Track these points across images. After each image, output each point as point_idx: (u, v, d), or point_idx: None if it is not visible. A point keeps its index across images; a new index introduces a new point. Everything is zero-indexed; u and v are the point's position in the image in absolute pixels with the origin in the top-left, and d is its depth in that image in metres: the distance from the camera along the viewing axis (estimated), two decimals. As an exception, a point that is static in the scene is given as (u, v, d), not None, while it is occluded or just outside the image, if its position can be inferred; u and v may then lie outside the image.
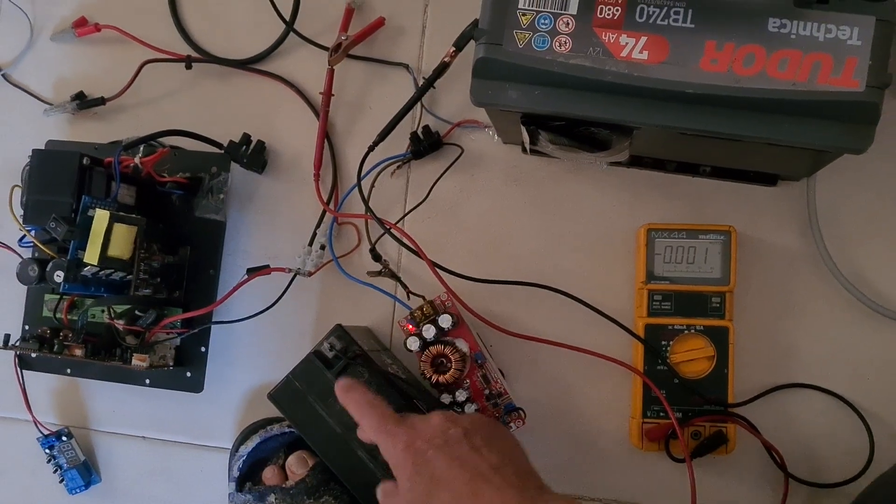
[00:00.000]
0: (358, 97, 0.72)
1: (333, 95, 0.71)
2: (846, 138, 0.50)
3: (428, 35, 0.71)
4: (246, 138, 0.71)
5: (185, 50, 0.74)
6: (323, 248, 0.70)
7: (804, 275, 0.65)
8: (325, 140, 0.71)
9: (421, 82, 0.69)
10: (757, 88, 0.50)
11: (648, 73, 0.51)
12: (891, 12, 0.49)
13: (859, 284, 0.63)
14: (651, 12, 0.51)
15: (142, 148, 0.67)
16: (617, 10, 0.51)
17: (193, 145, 0.71)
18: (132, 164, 0.66)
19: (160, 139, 0.71)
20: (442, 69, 0.65)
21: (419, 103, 0.69)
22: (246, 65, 0.73)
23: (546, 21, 0.52)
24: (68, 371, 0.72)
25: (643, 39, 0.51)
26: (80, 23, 0.76)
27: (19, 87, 0.78)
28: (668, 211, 0.66)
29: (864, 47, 0.49)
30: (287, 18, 0.72)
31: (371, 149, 0.68)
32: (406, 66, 0.71)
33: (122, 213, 0.63)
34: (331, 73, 0.70)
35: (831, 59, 0.49)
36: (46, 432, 0.73)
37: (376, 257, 0.67)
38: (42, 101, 0.77)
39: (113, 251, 0.62)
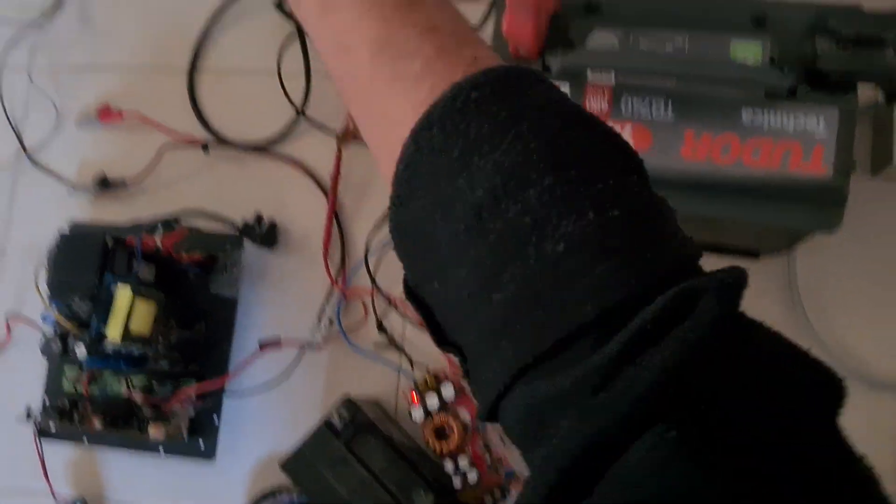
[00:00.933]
0: (365, 177, 0.76)
1: (341, 176, 0.75)
2: (817, 219, 0.55)
3: (430, 120, 0.76)
4: (259, 218, 0.75)
5: (203, 134, 0.79)
6: (331, 322, 0.73)
7: (789, 344, 0.68)
8: (334, 218, 0.75)
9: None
10: (733, 175, 0.54)
11: (634, 160, 0.55)
12: (853, 104, 0.54)
13: (841, 353, 0.67)
14: (634, 104, 0.56)
15: (161, 228, 0.71)
16: (604, 103, 0.56)
17: (210, 225, 0.76)
18: (154, 245, 0.70)
19: (179, 219, 0.75)
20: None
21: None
22: (259, 148, 0.78)
23: (539, 113, 0.57)
24: (85, 440, 0.75)
25: (628, 129, 0.56)
26: (104, 110, 0.81)
27: (46, 170, 0.82)
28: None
29: (830, 136, 0.53)
30: (298, 104, 0.77)
31: (377, 227, 0.73)
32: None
33: (143, 289, 0.67)
34: (339, 155, 0.75)
35: (800, 147, 0.54)
36: (63, 503, 0.75)
37: (382, 330, 0.70)
38: (67, 182, 0.82)
39: (134, 326, 0.66)
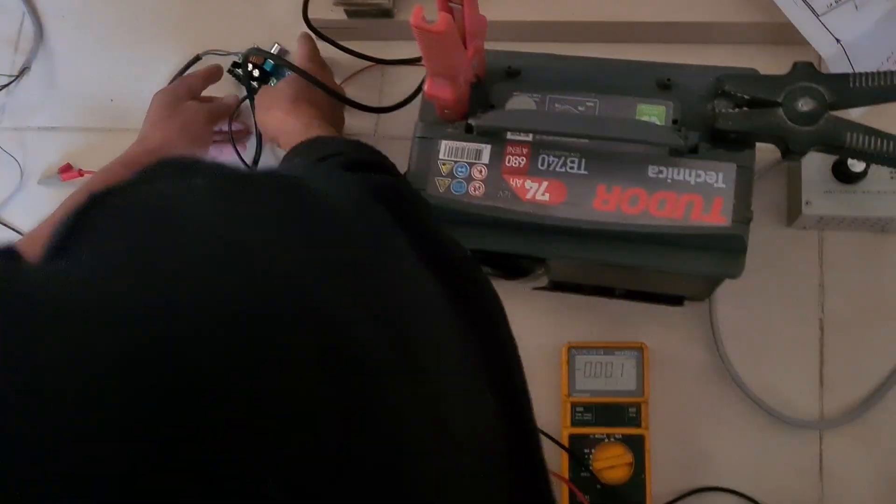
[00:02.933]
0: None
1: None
2: (721, 266, 0.59)
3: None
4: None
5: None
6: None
7: (712, 385, 0.71)
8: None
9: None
10: (641, 225, 0.58)
11: (551, 212, 0.59)
12: (749, 160, 0.59)
13: (762, 393, 0.70)
14: (551, 161, 0.60)
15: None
16: (522, 160, 0.61)
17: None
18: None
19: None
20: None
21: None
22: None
23: (463, 170, 0.61)
24: None
25: (545, 184, 0.60)
26: (66, 168, 0.85)
27: (8, 227, 0.86)
28: (588, 329, 0.74)
29: (729, 189, 0.58)
30: (249, 162, 0.81)
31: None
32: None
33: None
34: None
35: (701, 199, 0.58)
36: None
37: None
38: (27, 238, 0.85)
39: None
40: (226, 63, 0.84)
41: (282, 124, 0.70)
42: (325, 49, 0.80)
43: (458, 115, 0.61)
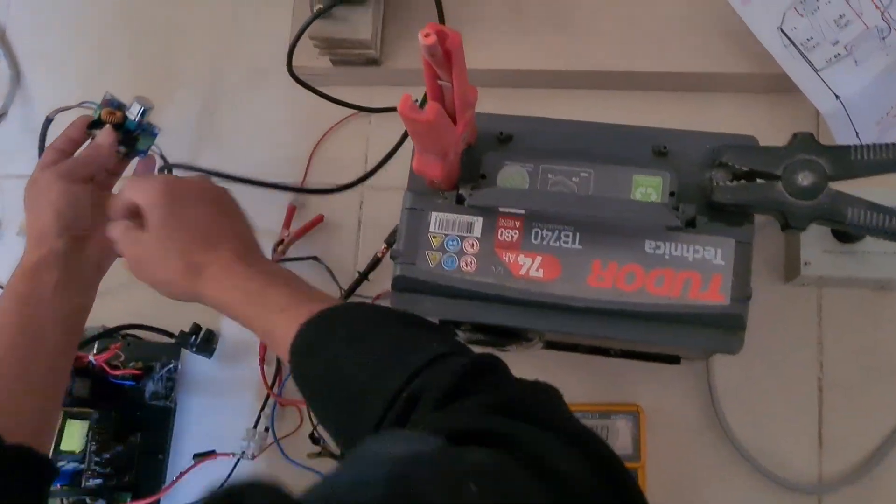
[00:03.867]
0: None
1: (277, 286, 0.77)
2: (719, 343, 0.57)
3: (363, 230, 0.79)
4: (196, 328, 0.77)
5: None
6: (267, 430, 0.75)
7: (709, 447, 0.70)
8: (270, 326, 0.77)
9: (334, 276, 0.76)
10: (638, 303, 0.56)
11: (544, 288, 0.58)
12: (748, 235, 0.57)
13: (760, 455, 0.69)
14: (544, 235, 0.58)
15: (96, 344, 0.72)
16: (515, 234, 0.59)
17: (146, 335, 0.77)
18: (87, 361, 0.71)
19: (114, 332, 0.76)
20: (374, 264, 0.72)
21: (354, 293, 0.75)
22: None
23: (454, 243, 0.59)
24: (21, 556, 0.75)
25: (538, 259, 0.58)
26: (45, 220, 0.82)
27: (-15, 279, 0.83)
28: (582, 389, 0.72)
29: (727, 266, 0.56)
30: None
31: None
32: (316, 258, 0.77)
33: (74, 409, 0.68)
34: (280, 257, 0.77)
35: (699, 276, 0.56)
36: None
37: (315, 440, 0.72)
38: (6, 291, 0.82)
39: (66, 446, 0.67)
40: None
41: (207, 284, 0.57)
42: (308, 98, 0.77)
43: (448, 186, 0.59)
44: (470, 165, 0.60)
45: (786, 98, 0.73)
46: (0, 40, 0.89)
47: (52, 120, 0.72)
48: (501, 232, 0.59)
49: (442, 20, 0.75)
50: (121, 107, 0.69)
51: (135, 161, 0.71)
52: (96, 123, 0.68)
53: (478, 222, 0.59)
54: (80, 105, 0.69)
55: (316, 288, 0.58)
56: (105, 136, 0.66)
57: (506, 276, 0.58)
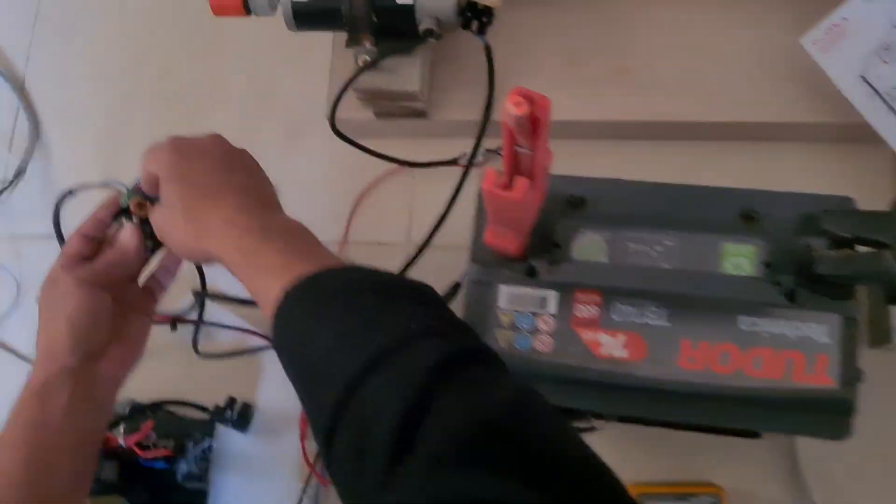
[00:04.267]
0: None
1: (318, 355, 0.72)
2: (825, 429, 0.52)
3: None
4: (231, 401, 0.71)
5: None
6: (310, 512, 0.69)
7: (796, 531, 0.64)
8: (311, 399, 0.71)
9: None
10: (735, 386, 0.51)
11: (629, 370, 0.52)
12: (854, 310, 0.52)
13: (851, 540, 0.63)
14: (627, 311, 0.53)
15: (123, 425, 0.67)
16: (594, 309, 0.53)
17: (179, 410, 0.71)
18: (116, 444, 0.65)
19: (145, 409, 0.70)
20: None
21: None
22: (230, 327, 0.75)
23: (526, 321, 0.54)
24: None
25: (622, 338, 0.53)
26: (67, 284, 0.77)
27: (5, 348, 0.78)
28: (654, 465, 0.66)
29: (833, 344, 0.51)
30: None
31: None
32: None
33: (102, 498, 0.62)
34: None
35: (803, 357, 0.51)
36: None
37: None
38: (28, 362, 0.77)
39: (94, 538, 0.61)
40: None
41: (210, 240, 0.50)
42: (348, 153, 0.72)
43: (519, 257, 0.54)
44: (540, 232, 0.55)
45: (861, 148, 0.68)
46: (19, 92, 0.84)
47: (73, 193, 0.64)
48: (579, 308, 0.54)
49: (492, 70, 0.71)
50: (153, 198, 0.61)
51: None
52: (124, 212, 0.59)
53: (552, 297, 0.54)
54: (104, 184, 0.62)
55: (321, 245, 0.50)
56: (131, 236, 0.58)
57: (586, 357, 0.53)
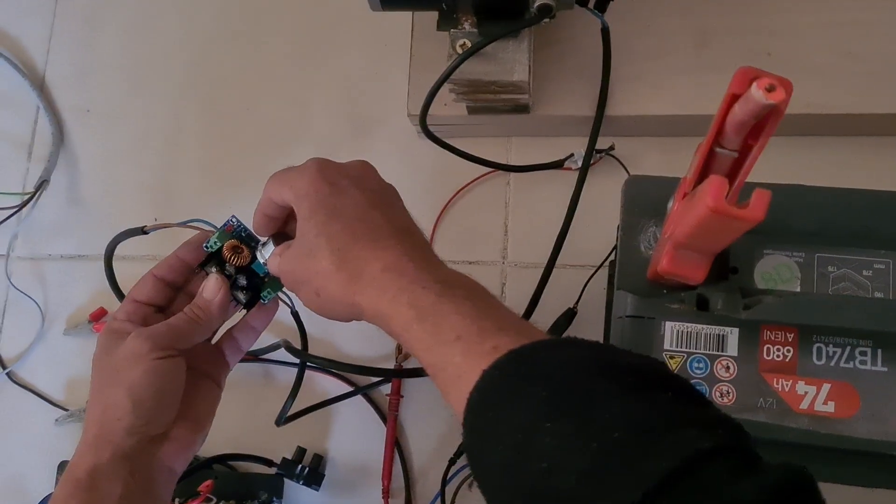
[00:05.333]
0: (431, 399, 0.61)
1: (402, 397, 0.61)
2: None
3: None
4: (300, 452, 0.60)
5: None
6: (400, 587, 0.58)
7: None
8: (395, 447, 0.60)
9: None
10: (982, 449, 0.40)
11: (838, 429, 0.41)
12: None
13: None
14: (830, 353, 0.42)
15: (179, 492, 0.56)
16: (788, 351, 0.42)
17: (242, 465, 0.60)
18: (171, 511, 0.54)
19: (204, 465, 0.59)
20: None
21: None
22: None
23: (701, 365, 0.43)
24: None
25: (826, 387, 0.42)
26: (99, 314, 0.66)
27: (26, 388, 0.67)
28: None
29: None
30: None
31: (453, 461, 0.58)
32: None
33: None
34: (399, 369, 0.61)
35: None
36: None
37: None
38: (53, 404, 0.66)
39: None
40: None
41: (368, 293, 0.39)
42: (432, 155, 0.61)
43: (699, 282, 0.43)
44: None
45: None
46: (39, 90, 0.73)
47: (145, 232, 0.51)
48: (768, 349, 0.43)
49: (608, 55, 0.60)
50: (249, 240, 0.49)
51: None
52: (214, 257, 0.49)
53: (732, 335, 0.43)
54: (183, 224, 0.50)
55: (510, 309, 0.39)
56: (217, 288, 0.48)
57: (781, 412, 0.42)
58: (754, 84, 0.29)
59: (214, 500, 0.57)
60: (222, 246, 0.48)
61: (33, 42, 0.74)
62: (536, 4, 0.53)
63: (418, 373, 0.57)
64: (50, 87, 0.73)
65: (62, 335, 0.67)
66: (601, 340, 0.49)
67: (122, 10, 0.74)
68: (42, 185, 0.69)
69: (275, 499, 0.59)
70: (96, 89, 0.72)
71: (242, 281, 0.49)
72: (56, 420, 0.65)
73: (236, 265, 0.48)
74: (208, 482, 0.56)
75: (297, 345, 0.58)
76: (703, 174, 0.37)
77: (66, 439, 0.65)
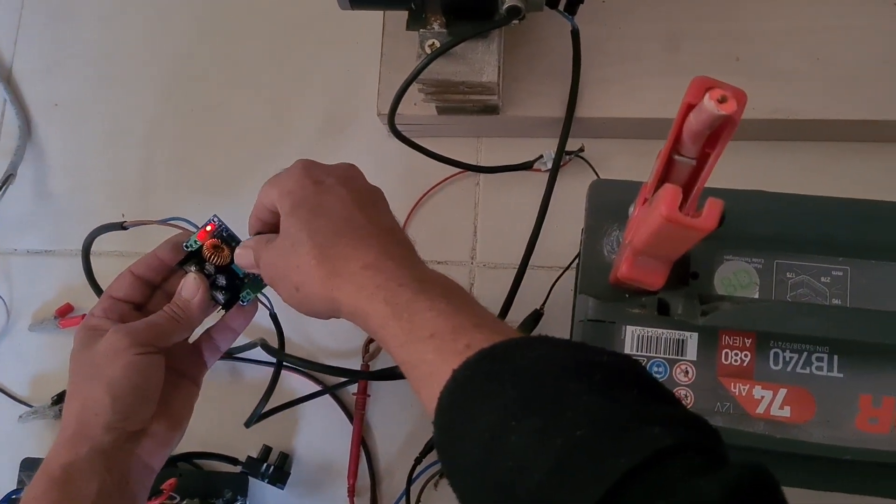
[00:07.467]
0: (398, 399, 0.61)
1: (369, 396, 0.61)
2: None
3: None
4: (266, 451, 0.60)
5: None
6: (364, 586, 0.58)
7: None
8: (361, 446, 0.60)
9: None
10: (933, 456, 0.41)
11: (793, 433, 0.42)
12: None
13: None
14: (787, 359, 0.42)
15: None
16: (746, 356, 0.43)
17: (207, 463, 0.60)
18: (133, 510, 0.54)
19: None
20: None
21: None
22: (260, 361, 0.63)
23: (660, 369, 0.43)
24: None
25: (782, 392, 0.42)
26: (65, 310, 0.65)
27: (-10, 385, 0.66)
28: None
29: None
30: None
31: (418, 460, 0.58)
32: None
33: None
34: (366, 368, 0.61)
35: None
36: None
37: None
38: (17, 400, 0.65)
39: None
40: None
41: (346, 289, 0.40)
42: (402, 155, 0.61)
43: (659, 287, 0.43)
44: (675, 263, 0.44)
45: None
46: (6, 82, 0.72)
47: (124, 227, 0.51)
48: (726, 353, 0.43)
49: (578, 58, 0.60)
50: (231, 240, 0.49)
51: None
52: (194, 256, 0.49)
53: (692, 340, 0.43)
54: (163, 222, 0.50)
55: (486, 309, 0.40)
56: (195, 288, 0.48)
57: (738, 416, 0.42)
58: (707, 95, 0.30)
59: (178, 498, 0.56)
60: (203, 244, 0.48)
61: (0, 34, 0.74)
62: (506, 6, 0.53)
63: (392, 373, 0.57)
64: (17, 80, 0.72)
65: (27, 331, 0.66)
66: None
67: (92, 2, 0.73)
68: (8, 179, 0.68)
69: (239, 497, 0.59)
70: (65, 83, 0.72)
71: (222, 281, 0.49)
72: (20, 416, 0.64)
73: (216, 264, 0.48)
74: (171, 480, 0.56)
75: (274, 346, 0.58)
76: (662, 181, 0.37)
77: (29, 436, 0.64)
